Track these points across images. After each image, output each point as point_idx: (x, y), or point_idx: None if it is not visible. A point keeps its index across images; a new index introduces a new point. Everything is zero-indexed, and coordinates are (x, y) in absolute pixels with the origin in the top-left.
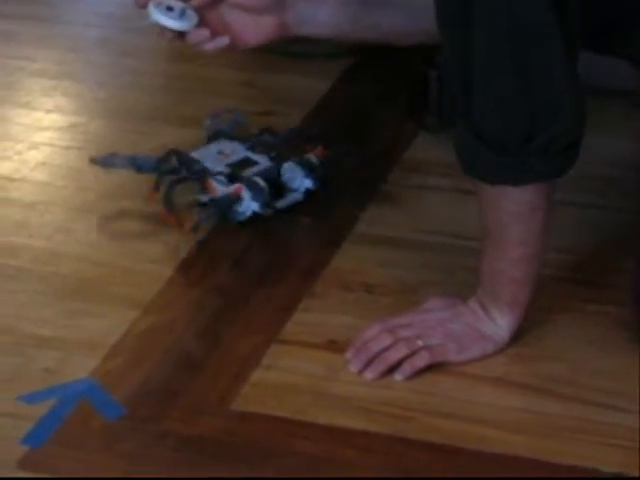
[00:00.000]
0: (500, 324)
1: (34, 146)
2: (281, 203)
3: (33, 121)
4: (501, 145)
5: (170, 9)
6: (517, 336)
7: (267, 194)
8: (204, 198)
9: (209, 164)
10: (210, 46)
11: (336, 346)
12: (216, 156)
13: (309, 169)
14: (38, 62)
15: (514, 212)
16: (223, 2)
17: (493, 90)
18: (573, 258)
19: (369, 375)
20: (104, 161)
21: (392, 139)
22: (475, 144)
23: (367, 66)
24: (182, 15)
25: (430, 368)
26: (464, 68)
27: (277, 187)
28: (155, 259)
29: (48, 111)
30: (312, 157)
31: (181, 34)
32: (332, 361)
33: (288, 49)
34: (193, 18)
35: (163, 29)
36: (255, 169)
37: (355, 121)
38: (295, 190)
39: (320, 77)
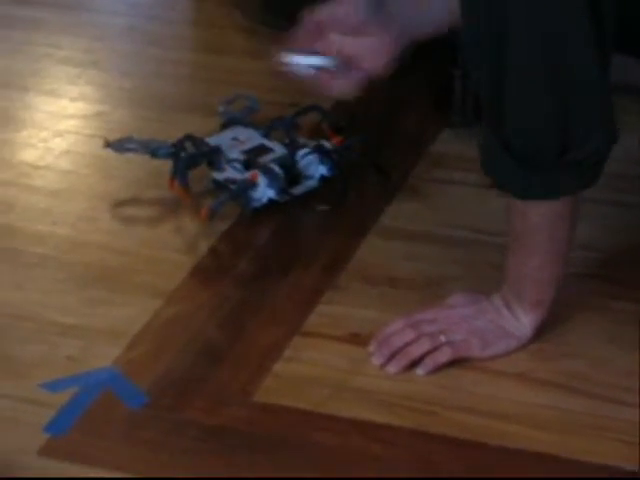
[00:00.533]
0: (523, 322)
1: (59, 134)
2: (297, 190)
3: (58, 109)
4: (532, 161)
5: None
6: (540, 332)
7: (283, 180)
8: (220, 177)
9: (224, 151)
10: (348, 82)
11: (359, 339)
12: (231, 142)
13: (324, 156)
14: (64, 50)
15: (541, 222)
16: (329, 32)
17: (526, 106)
18: (598, 255)
19: (391, 369)
20: (118, 145)
21: (418, 132)
22: (505, 159)
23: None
24: (324, 57)
25: (452, 363)
26: (496, 83)
27: (292, 174)
28: (177, 248)
29: (73, 99)
30: (327, 144)
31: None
32: (354, 354)
33: None
34: (335, 59)
35: (304, 68)
36: (270, 156)
37: (379, 114)
38: (310, 177)
39: None
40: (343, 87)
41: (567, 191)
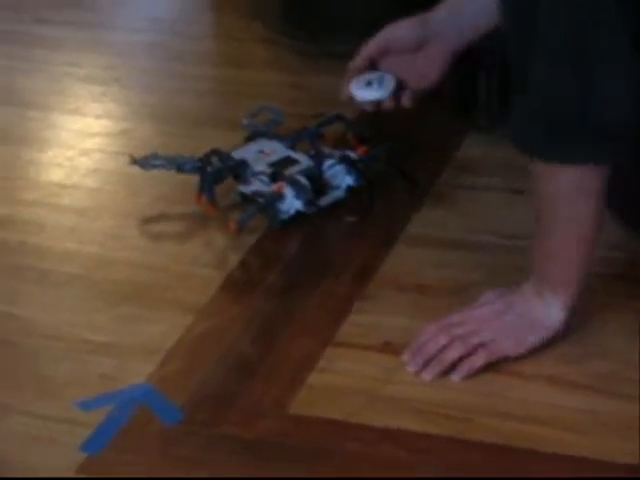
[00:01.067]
0: (554, 306)
1: (84, 152)
2: (323, 201)
3: (83, 127)
4: (556, 122)
5: (369, 83)
6: (568, 334)
7: (310, 192)
8: (247, 190)
9: (250, 164)
10: (406, 100)
11: (391, 348)
12: (257, 155)
13: (350, 166)
14: (85, 68)
15: (565, 191)
16: (384, 57)
17: (551, 64)
18: (623, 255)
19: (426, 376)
20: (144, 162)
21: (442, 139)
22: (530, 119)
23: None
24: (380, 84)
25: (485, 368)
26: (524, 41)
27: (319, 185)
28: (207, 263)
29: (97, 117)
30: (352, 154)
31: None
32: (387, 363)
33: (333, 50)
34: (391, 82)
35: (364, 102)
36: (297, 167)
37: (404, 121)
38: (337, 187)
39: None
40: (404, 105)
41: (592, 158)
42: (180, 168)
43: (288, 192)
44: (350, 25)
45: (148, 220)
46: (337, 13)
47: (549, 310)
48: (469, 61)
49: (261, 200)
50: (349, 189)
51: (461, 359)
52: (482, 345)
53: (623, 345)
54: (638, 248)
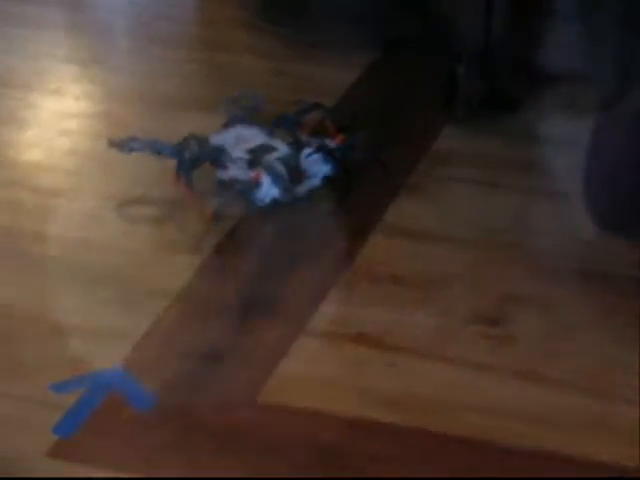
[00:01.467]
0: None
1: (63, 133)
2: (300, 189)
3: (62, 108)
4: None
5: None
6: (549, 333)
7: (287, 180)
8: (224, 176)
9: (228, 149)
10: None
11: (364, 338)
12: (235, 141)
13: (327, 155)
14: (66, 48)
15: None
16: None
17: None
18: (601, 254)
19: None
20: (123, 145)
21: (420, 130)
22: None
23: (393, 58)
24: None
25: (457, 361)
26: None
27: (296, 173)
28: (183, 248)
29: (77, 98)
30: (330, 143)
31: None
32: (360, 353)
33: (315, 38)
34: None
35: None
36: (275, 155)
37: (382, 112)
38: (314, 176)
39: (348, 68)
40: None
41: None
42: (158, 152)
43: (265, 180)
44: (332, 15)
45: (126, 203)
46: (320, 2)
47: None
48: (449, 54)
49: (238, 187)
50: (326, 178)
51: None
52: None
53: (600, 343)
54: (612, 245)
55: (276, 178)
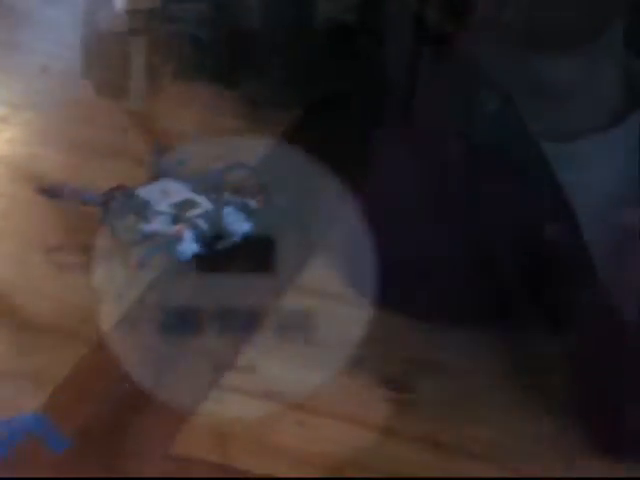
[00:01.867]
0: None
1: None
2: (220, 245)
3: None
4: None
5: None
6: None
7: (208, 237)
8: (149, 228)
9: (153, 203)
10: None
11: (274, 396)
12: (160, 195)
13: (248, 214)
14: None
15: None
16: None
17: None
18: None
19: None
20: (51, 192)
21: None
22: None
23: (315, 119)
24: None
25: (355, 422)
26: None
27: (217, 229)
28: (106, 297)
29: (5, 141)
30: (252, 202)
31: None
32: (271, 410)
33: (242, 95)
34: None
35: None
36: (198, 210)
37: (302, 174)
38: (234, 234)
39: (269, 125)
40: None
41: None
42: (84, 202)
43: (187, 235)
44: (271, 74)
45: (51, 249)
46: (259, 60)
47: None
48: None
49: (161, 240)
50: (245, 236)
51: None
52: None
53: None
54: None
55: (198, 234)
